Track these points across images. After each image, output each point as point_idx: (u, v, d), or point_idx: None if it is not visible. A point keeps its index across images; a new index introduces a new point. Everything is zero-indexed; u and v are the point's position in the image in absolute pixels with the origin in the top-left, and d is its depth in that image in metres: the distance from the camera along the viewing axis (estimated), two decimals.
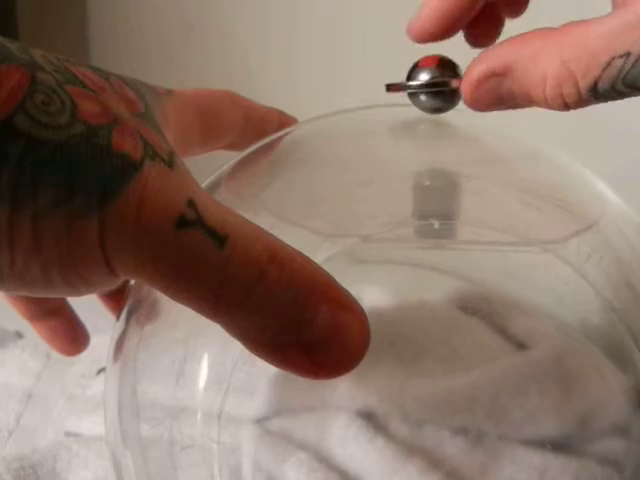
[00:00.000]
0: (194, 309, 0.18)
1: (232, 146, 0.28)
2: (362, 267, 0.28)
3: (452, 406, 0.27)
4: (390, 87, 0.26)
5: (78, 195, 0.16)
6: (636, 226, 0.27)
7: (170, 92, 0.24)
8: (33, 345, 0.43)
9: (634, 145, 0.52)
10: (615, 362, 0.28)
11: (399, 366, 0.28)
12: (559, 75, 0.20)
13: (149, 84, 0.23)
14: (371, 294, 0.30)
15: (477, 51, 0.23)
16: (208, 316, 0.18)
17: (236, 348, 0.23)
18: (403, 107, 0.27)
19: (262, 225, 0.18)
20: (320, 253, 0.22)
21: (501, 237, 0.24)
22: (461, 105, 0.25)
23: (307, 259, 0.18)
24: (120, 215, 0.17)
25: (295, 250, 0.18)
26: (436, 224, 0.24)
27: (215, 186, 0.26)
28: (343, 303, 0.18)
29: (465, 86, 0.23)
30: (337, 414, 0.27)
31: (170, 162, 0.18)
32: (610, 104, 0.21)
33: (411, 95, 0.26)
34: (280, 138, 0.28)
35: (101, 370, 0.41)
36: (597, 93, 0.20)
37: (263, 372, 0.28)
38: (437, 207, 0.26)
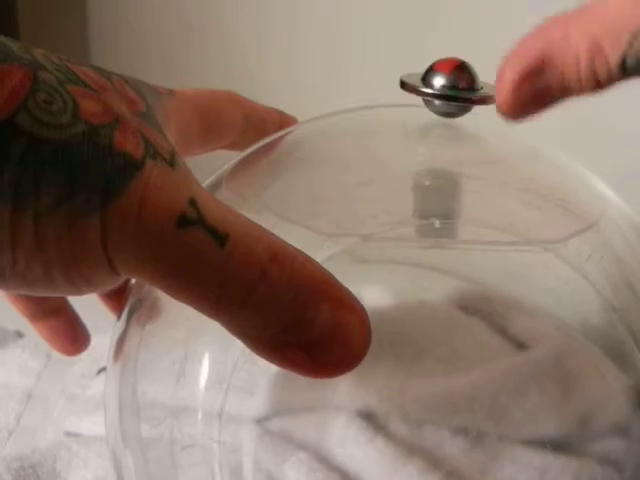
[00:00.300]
0: (195, 308, 0.18)
1: (233, 146, 0.28)
2: (363, 267, 0.28)
3: (452, 406, 0.27)
4: (405, 86, 0.25)
5: (80, 194, 0.16)
6: (636, 226, 0.27)
7: (171, 92, 0.24)
8: (33, 345, 0.43)
9: (634, 145, 0.52)
10: (615, 362, 0.28)
11: (399, 366, 0.28)
12: (591, 49, 0.20)
13: (150, 84, 0.23)
14: (372, 293, 0.30)
15: (493, 52, 0.22)
16: (209, 315, 0.18)
17: (237, 347, 0.23)
18: (403, 107, 0.27)
19: (263, 225, 0.18)
20: (321, 252, 0.22)
21: (501, 237, 0.24)
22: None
23: (308, 258, 0.18)
24: (122, 214, 0.17)
25: (296, 249, 0.18)
26: (437, 223, 0.24)
27: (216, 186, 0.26)
28: (344, 302, 0.18)
29: (501, 97, 0.22)
30: (337, 414, 0.27)
31: (171, 161, 0.18)
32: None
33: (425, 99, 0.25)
34: (281, 138, 0.28)
35: (101, 370, 0.41)
36: (626, 68, 0.20)
37: (264, 371, 0.28)
38: (438, 206, 0.26)
